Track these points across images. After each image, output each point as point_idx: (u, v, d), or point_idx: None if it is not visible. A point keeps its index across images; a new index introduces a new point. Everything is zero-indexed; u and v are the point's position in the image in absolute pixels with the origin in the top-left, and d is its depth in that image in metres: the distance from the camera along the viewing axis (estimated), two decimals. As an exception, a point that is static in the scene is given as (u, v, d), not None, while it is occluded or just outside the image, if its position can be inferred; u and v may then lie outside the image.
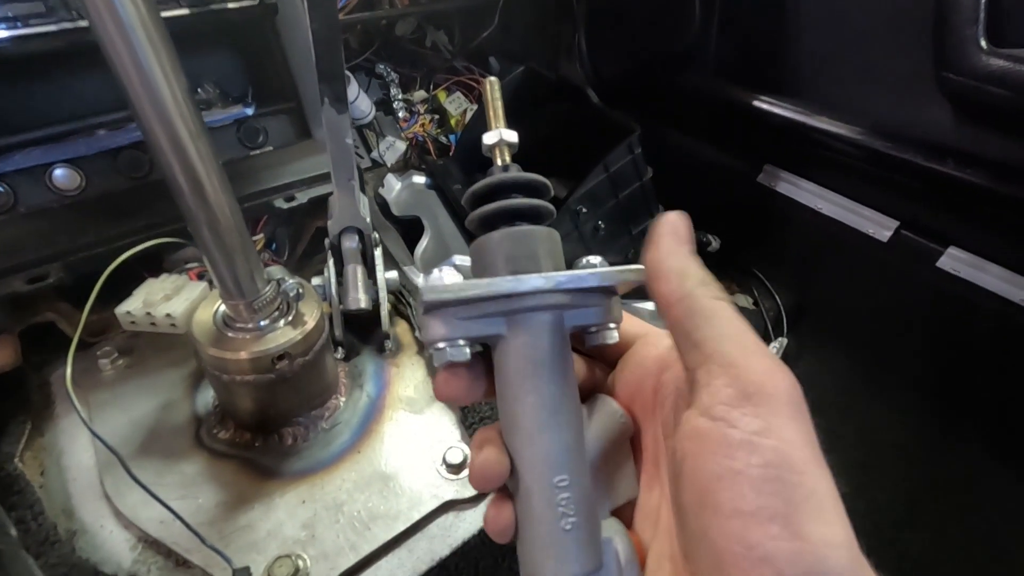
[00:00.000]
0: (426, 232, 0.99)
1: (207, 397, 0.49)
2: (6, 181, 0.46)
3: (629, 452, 0.33)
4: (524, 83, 1.09)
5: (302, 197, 0.56)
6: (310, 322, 0.44)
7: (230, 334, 0.42)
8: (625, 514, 0.27)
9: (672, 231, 0.25)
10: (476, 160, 1.12)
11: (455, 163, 1.11)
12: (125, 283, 0.50)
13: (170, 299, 0.44)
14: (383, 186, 1.05)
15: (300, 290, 0.42)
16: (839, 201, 0.96)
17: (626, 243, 1.00)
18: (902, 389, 0.90)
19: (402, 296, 0.59)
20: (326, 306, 0.51)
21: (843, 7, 0.90)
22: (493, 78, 0.34)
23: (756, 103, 1.02)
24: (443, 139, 1.24)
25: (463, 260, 0.94)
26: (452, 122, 1.23)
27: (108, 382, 0.50)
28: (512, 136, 0.32)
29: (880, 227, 0.91)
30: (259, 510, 0.42)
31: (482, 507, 0.44)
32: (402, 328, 0.58)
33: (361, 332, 0.56)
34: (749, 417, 0.19)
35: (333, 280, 0.52)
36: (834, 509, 0.17)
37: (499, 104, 0.33)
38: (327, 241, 0.53)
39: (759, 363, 0.20)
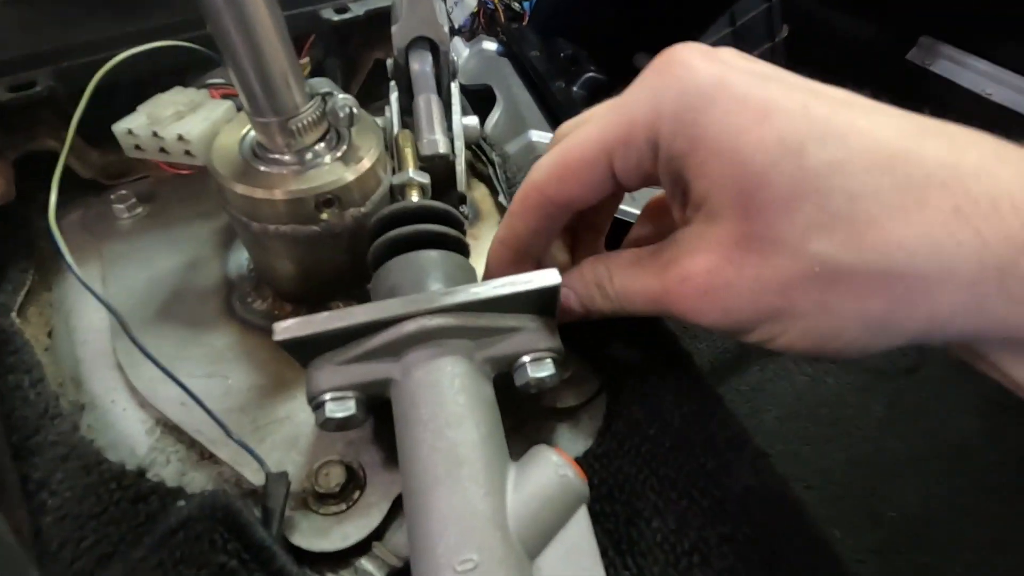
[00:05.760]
0: (498, 103, 0.85)
1: (241, 258, 0.39)
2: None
3: (584, 518, 0.26)
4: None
5: (357, 8, 0.43)
6: (366, 160, 0.32)
7: (262, 167, 0.31)
8: None
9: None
10: (556, 25, 0.95)
11: (531, 30, 0.95)
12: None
13: (183, 118, 0.33)
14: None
15: (352, 109, 0.30)
16: (1018, 83, 0.75)
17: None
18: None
19: (481, 151, 0.46)
20: (387, 156, 0.38)
21: None
22: (406, 131, 0.35)
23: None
24: (515, 5, 1.08)
25: (540, 136, 0.81)
26: (528, -15, 1.04)
27: (124, 232, 0.40)
28: (424, 177, 0.33)
29: (1072, 118, 0.71)
30: (303, 399, 0.32)
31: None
32: (481, 192, 0.46)
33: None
34: None
35: (396, 117, 0.39)
36: None
37: (409, 151, 0.34)
38: (390, 63, 0.40)
39: None
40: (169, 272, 0.38)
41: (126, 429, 0.32)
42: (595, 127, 0.25)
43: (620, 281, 0.27)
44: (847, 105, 0.21)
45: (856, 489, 0.73)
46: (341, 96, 0.30)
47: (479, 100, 0.82)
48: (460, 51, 0.92)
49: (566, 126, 0.29)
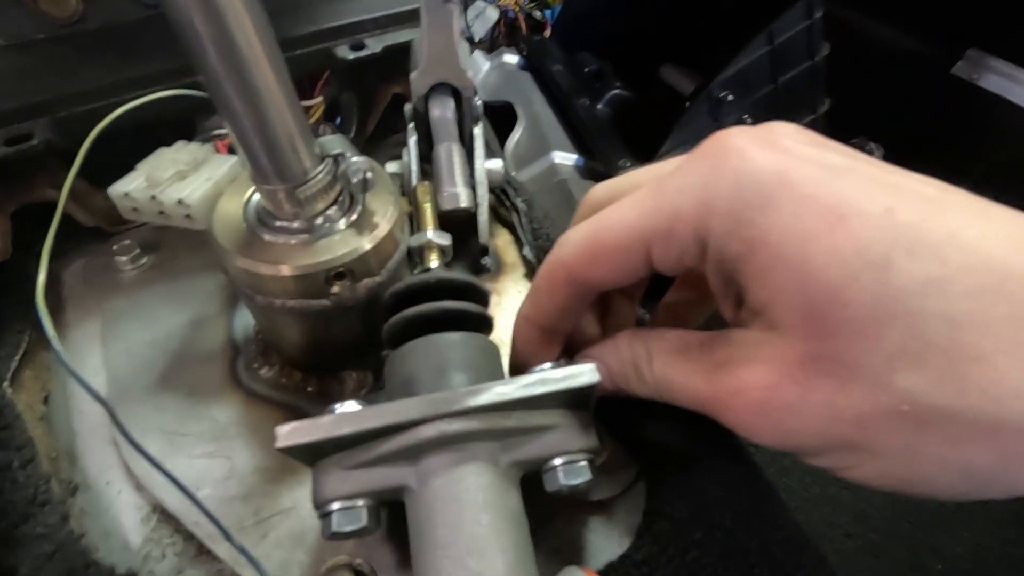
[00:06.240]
0: (520, 120, 0.82)
1: (247, 318, 0.36)
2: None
3: None
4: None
5: (374, 44, 0.40)
6: (383, 225, 0.29)
7: (267, 236, 0.28)
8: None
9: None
10: (579, 35, 0.92)
11: (554, 42, 0.92)
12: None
13: (185, 178, 0.31)
14: (470, 66, 0.87)
15: (369, 174, 0.27)
16: (1077, 101, 0.70)
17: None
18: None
19: (505, 195, 0.43)
20: (404, 202, 0.36)
21: None
22: (426, 183, 0.32)
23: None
24: (537, 14, 1.05)
25: (563, 158, 0.78)
26: (550, -7, 1.01)
27: (127, 285, 0.38)
28: (445, 239, 0.30)
29: None
30: (310, 486, 0.30)
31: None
32: (503, 240, 0.43)
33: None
34: None
35: (415, 164, 0.36)
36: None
37: (428, 207, 0.31)
38: (408, 108, 0.37)
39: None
40: (172, 332, 0.36)
41: (120, 515, 0.29)
42: (634, 211, 0.22)
43: (661, 368, 0.24)
44: (940, 206, 0.17)
45: (899, 539, 0.68)
46: (355, 159, 0.27)
47: (500, 117, 0.79)
48: (480, 65, 0.90)
49: (600, 191, 0.26)
